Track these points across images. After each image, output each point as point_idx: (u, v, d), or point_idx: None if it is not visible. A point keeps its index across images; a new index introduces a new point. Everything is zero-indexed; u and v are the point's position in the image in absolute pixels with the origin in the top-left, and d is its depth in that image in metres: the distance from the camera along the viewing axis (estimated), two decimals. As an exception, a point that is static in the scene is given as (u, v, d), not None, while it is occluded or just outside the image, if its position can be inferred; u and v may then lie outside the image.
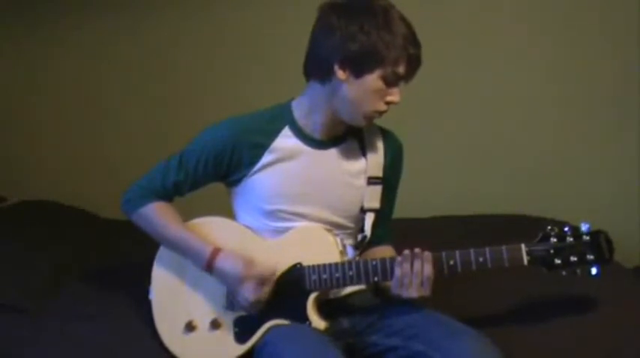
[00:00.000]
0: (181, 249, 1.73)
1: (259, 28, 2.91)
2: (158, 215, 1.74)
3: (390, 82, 1.59)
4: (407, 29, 1.58)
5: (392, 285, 1.58)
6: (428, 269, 1.55)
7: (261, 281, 1.63)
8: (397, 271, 1.56)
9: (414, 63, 1.60)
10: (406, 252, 1.57)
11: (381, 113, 1.64)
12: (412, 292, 1.55)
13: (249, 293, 1.63)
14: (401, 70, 1.58)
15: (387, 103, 1.62)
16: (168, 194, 1.76)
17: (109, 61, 3.12)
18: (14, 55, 3.22)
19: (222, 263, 1.67)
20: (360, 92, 1.60)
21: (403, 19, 1.59)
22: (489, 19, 2.68)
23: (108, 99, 3.15)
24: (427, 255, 1.56)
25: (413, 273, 1.55)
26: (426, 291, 1.56)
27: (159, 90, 3.07)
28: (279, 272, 1.65)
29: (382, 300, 1.73)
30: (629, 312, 1.78)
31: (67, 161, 3.18)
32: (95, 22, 3.09)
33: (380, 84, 1.58)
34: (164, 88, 3.06)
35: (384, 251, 1.79)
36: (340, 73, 1.59)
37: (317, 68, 1.64)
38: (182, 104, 3.02)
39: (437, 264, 1.56)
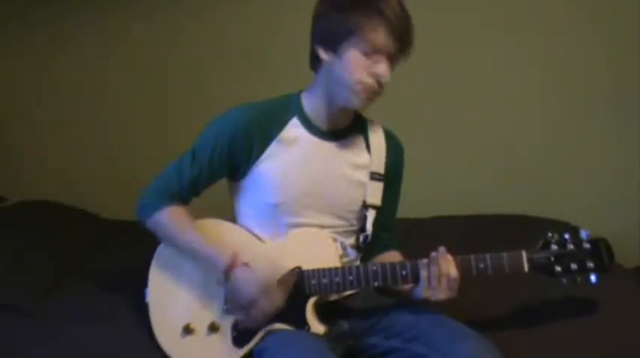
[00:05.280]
0: (196, 257, 1.71)
1: (264, 27, 2.90)
2: (173, 221, 1.72)
3: (369, 52, 1.57)
4: (395, 5, 1.56)
5: (419, 288, 1.58)
6: (453, 271, 1.55)
7: (290, 285, 1.61)
8: (424, 273, 1.56)
9: (399, 35, 1.57)
10: (433, 254, 1.56)
11: (375, 92, 1.61)
12: (440, 294, 1.55)
13: (270, 302, 1.60)
14: (380, 40, 1.56)
15: (376, 78, 1.59)
16: (184, 194, 1.74)
17: (111, 61, 3.12)
18: (14, 55, 3.22)
19: (243, 272, 1.63)
20: (345, 68, 1.59)
21: (396, 1, 1.58)
22: (490, 19, 2.67)
23: (108, 99, 3.14)
24: (449, 257, 1.56)
25: (441, 275, 1.54)
26: (453, 293, 1.56)
27: (161, 90, 3.07)
28: (278, 276, 1.64)
29: (382, 302, 1.73)
30: (629, 312, 1.78)
31: (67, 161, 3.18)
32: (97, 22, 3.08)
33: (358, 56, 1.57)
34: (166, 88, 3.05)
35: (392, 256, 1.79)
36: (324, 55, 1.61)
37: (311, 58, 1.68)
38: (184, 104, 3.02)
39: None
